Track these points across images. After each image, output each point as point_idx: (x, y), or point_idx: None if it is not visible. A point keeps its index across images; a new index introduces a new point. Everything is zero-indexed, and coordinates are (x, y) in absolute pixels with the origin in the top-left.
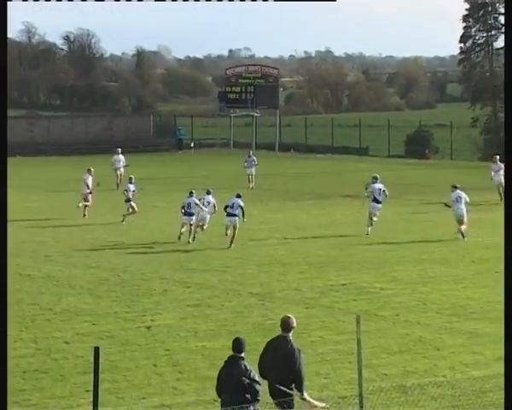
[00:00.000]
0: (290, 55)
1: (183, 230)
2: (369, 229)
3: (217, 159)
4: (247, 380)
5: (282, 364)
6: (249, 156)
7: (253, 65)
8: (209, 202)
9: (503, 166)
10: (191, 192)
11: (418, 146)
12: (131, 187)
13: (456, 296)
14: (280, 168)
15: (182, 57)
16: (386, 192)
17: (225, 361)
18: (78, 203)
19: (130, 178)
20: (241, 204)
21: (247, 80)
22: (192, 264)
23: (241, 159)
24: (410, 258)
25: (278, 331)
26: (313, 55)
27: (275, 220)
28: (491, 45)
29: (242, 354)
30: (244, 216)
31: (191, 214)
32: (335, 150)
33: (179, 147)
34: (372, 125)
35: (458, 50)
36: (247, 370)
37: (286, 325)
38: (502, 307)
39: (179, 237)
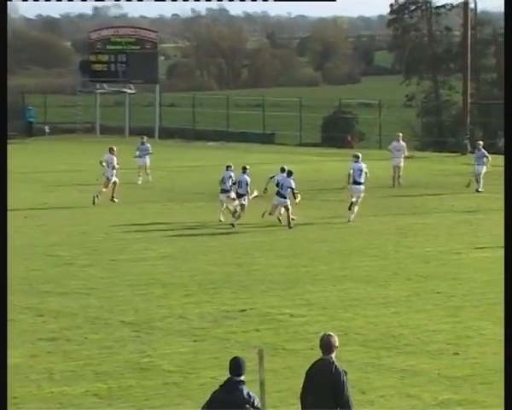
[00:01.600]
0: (173, 15)
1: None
2: (352, 216)
3: (79, 147)
4: (251, 409)
5: (325, 392)
6: (142, 143)
7: (125, 27)
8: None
9: (405, 145)
10: (229, 166)
11: (338, 131)
12: (247, 179)
13: (386, 324)
14: (160, 160)
15: (32, 17)
16: (368, 174)
17: (220, 386)
18: (98, 193)
19: (245, 168)
20: (293, 185)
21: (118, 47)
22: (46, 285)
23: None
24: (327, 275)
25: (157, 372)
26: (203, 14)
27: (154, 228)
28: (430, 2)
29: (242, 378)
30: (296, 196)
31: (227, 191)
32: (232, 137)
33: (29, 132)
34: (279, 105)
35: (388, 9)
36: (251, 397)
37: (327, 344)
38: (443, 337)
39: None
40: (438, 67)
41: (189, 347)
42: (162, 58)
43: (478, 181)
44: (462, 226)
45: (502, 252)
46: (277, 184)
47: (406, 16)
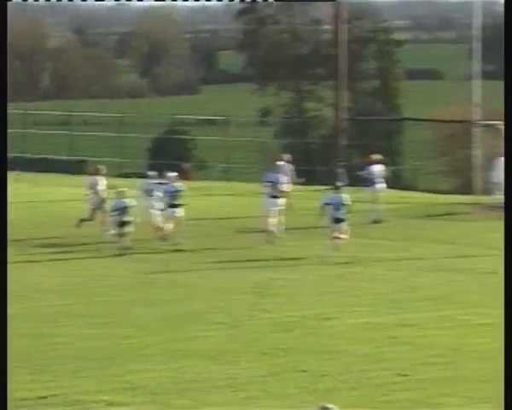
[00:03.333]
0: None
1: None
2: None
3: None
4: None
5: None
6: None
7: None
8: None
9: (292, 168)
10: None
11: (170, 157)
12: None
13: None
14: None
15: None
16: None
17: None
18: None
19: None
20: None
21: None
22: None
23: None
24: (156, 349)
25: None
26: None
27: None
28: None
29: None
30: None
31: None
32: (29, 166)
33: None
34: (91, 123)
35: None
36: None
37: None
38: None
39: None
40: (302, 73)
41: None
42: None
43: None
44: (335, 283)
45: (387, 318)
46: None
47: (261, 5)
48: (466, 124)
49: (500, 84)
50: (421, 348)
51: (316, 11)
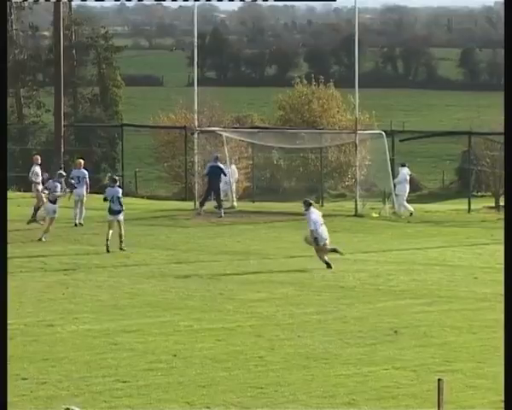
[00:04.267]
0: None
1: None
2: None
3: None
4: None
5: None
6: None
7: None
8: None
9: (86, 173)
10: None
11: None
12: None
13: None
14: None
15: None
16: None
17: None
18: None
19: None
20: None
21: None
22: None
23: None
24: None
25: None
26: None
27: None
28: None
29: None
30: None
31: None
32: None
33: None
34: None
35: None
36: None
37: None
38: None
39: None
40: (22, 79)
41: None
42: None
43: None
44: (57, 290)
45: (108, 324)
46: (105, 199)
47: None
48: (186, 130)
49: (221, 91)
50: (143, 354)
51: (34, 17)
